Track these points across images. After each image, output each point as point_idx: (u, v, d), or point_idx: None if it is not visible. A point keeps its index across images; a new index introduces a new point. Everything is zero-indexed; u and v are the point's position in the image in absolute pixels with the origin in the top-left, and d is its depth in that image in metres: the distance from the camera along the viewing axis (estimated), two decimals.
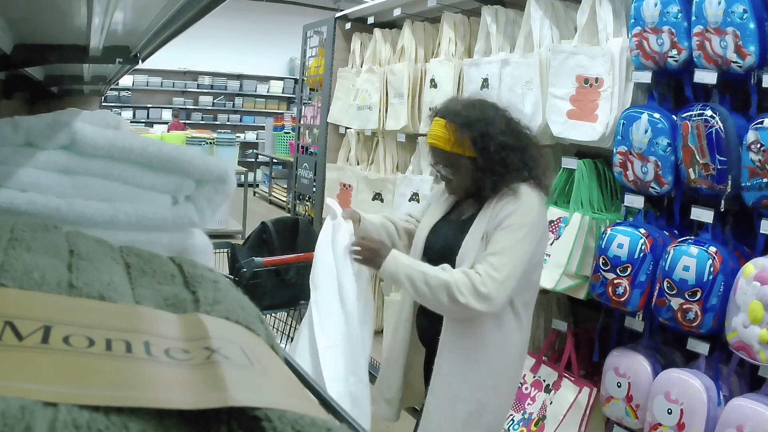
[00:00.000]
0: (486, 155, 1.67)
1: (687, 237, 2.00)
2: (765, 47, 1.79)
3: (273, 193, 9.78)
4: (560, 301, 2.65)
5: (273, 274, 2.44)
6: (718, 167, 1.86)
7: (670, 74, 2.11)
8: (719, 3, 1.83)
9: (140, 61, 1.52)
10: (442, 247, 1.79)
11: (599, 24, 2.25)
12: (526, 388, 2.47)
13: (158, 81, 11.95)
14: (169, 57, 10.19)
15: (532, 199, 1.69)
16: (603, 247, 2.10)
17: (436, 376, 1.75)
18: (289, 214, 4.94)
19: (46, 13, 1.04)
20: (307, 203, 4.33)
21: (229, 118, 12.57)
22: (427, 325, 1.84)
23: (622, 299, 2.06)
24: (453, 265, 1.69)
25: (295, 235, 2.71)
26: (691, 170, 1.93)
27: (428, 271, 1.63)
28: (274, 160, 9.78)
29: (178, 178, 0.72)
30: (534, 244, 1.66)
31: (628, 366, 2.10)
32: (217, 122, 12.32)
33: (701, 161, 1.90)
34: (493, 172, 1.68)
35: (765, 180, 1.76)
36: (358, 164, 3.79)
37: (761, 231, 1.84)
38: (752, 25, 1.77)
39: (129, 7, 1.02)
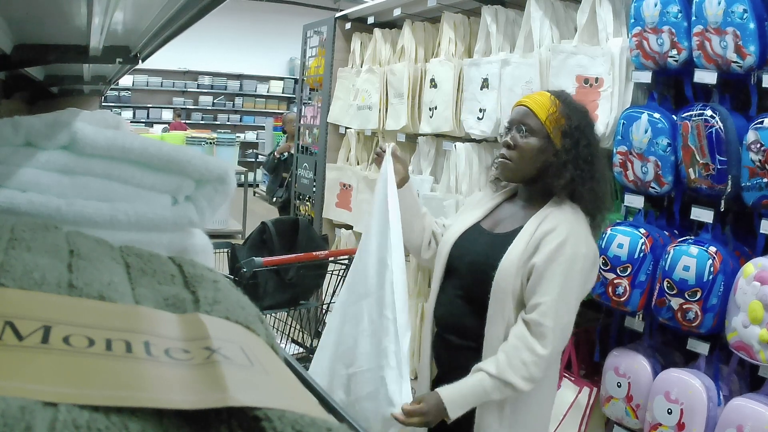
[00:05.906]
0: (574, 147, 1.54)
1: (687, 237, 2.00)
2: (765, 47, 1.78)
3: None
4: None
5: (273, 274, 2.44)
6: (718, 167, 1.86)
7: (670, 74, 2.10)
8: (719, 3, 1.83)
9: (140, 61, 1.52)
10: (472, 262, 1.60)
11: (599, 24, 2.25)
12: None
13: (158, 81, 11.97)
14: (169, 57, 10.20)
15: (584, 228, 1.56)
16: (603, 247, 2.10)
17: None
18: (289, 214, 4.94)
19: (46, 13, 1.05)
20: (307, 203, 4.33)
21: (229, 118, 12.59)
22: (443, 350, 1.70)
23: (622, 299, 2.06)
24: (486, 288, 1.53)
25: (295, 235, 2.70)
26: (691, 170, 1.93)
27: (488, 387, 1.48)
28: None
29: (178, 178, 0.72)
30: (584, 278, 1.54)
31: (628, 366, 2.10)
32: (217, 122, 12.34)
33: (701, 161, 1.90)
34: (577, 166, 1.54)
35: (765, 180, 1.76)
36: (358, 164, 3.79)
37: (761, 231, 1.84)
38: (752, 25, 1.77)
39: (129, 7, 1.02)
